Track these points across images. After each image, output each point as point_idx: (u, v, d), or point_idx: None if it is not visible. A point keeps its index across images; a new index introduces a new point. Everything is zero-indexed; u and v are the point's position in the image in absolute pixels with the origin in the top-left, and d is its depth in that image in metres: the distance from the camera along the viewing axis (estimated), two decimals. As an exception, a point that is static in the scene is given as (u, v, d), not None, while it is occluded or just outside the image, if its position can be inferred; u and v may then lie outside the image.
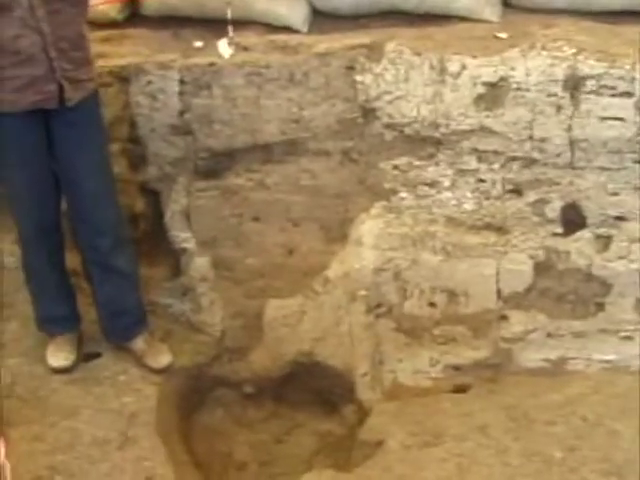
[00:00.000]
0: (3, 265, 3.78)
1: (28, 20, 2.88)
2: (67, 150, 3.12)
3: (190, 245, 3.60)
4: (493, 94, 3.21)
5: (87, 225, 3.25)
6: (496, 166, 3.30)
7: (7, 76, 2.94)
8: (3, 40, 2.89)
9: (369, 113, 3.37)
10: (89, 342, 3.49)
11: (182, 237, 3.60)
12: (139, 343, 3.44)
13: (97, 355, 3.46)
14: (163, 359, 3.44)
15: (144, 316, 3.49)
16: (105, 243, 3.26)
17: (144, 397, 3.28)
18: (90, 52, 3.14)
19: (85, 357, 3.44)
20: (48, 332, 3.44)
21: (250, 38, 3.49)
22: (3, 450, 2.51)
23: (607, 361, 3.35)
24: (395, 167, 3.40)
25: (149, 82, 3.43)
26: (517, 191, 3.31)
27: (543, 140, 3.20)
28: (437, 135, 3.31)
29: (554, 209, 3.29)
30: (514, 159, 3.27)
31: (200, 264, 3.60)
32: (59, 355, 3.38)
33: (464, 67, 3.21)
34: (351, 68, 3.33)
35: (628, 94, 3.08)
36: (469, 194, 3.36)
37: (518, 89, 3.17)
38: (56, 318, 3.42)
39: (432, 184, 3.38)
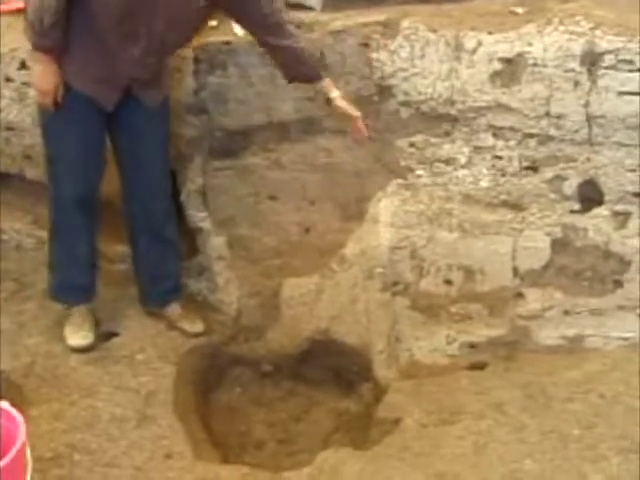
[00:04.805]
0: (22, 246, 3.80)
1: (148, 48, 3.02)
2: (132, 122, 3.19)
3: (206, 224, 3.60)
4: (509, 70, 3.19)
5: (144, 192, 3.33)
6: (512, 143, 3.28)
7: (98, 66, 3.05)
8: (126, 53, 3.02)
9: (385, 90, 3.35)
10: (107, 322, 3.51)
11: (198, 216, 3.60)
12: (175, 308, 3.54)
13: (114, 335, 3.48)
14: (198, 325, 3.53)
15: (181, 285, 3.60)
16: (159, 209, 3.37)
17: (161, 376, 3.29)
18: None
19: (103, 337, 3.46)
20: (63, 301, 3.46)
21: (265, 16, 3.46)
22: (24, 428, 2.53)
23: (625, 338, 3.32)
24: (411, 145, 3.39)
25: (164, 61, 3.42)
26: (534, 168, 3.29)
27: (560, 116, 3.17)
28: (453, 112, 3.29)
29: (571, 186, 3.26)
30: (531, 136, 3.24)
31: (216, 243, 3.60)
32: (77, 334, 3.40)
33: (480, 43, 3.19)
34: (366, 45, 3.32)
35: (646, 69, 3.04)
36: (485, 171, 3.34)
37: (535, 65, 3.14)
38: (75, 287, 3.42)
39: (448, 161, 3.37)
